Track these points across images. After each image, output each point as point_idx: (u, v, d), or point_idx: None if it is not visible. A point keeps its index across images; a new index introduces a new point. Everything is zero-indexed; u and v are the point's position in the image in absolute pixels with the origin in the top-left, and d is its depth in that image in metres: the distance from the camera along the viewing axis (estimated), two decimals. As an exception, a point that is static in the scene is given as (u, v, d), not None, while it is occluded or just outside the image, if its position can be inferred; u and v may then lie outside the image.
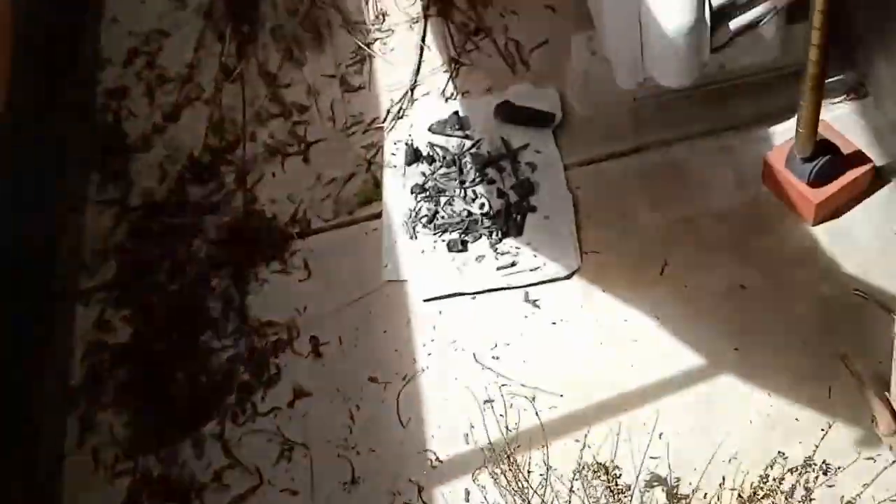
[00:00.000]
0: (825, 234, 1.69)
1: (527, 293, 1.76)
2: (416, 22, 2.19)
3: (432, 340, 1.76)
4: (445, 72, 2.11)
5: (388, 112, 2.08)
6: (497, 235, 1.83)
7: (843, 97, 1.84)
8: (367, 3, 2.25)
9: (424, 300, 1.80)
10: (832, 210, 1.69)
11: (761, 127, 1.84)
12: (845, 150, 1.65)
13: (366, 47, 2.18)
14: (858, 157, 1.66)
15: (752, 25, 1.61)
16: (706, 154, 1.84)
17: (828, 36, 1.34)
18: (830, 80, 1.84)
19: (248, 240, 1.97)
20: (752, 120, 1.86)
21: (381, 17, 2.23)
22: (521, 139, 1.95)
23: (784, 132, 1.82)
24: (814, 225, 1.70)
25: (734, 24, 1.60)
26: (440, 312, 1.79)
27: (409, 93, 2.09)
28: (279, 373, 1.80)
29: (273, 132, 2.13)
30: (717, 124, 1.87)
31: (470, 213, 1.87)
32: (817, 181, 1.63)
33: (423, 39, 2.16)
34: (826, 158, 1.61)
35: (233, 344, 1.85)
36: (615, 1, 1.62)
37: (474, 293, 1.79)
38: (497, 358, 1.71)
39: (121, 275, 1.99)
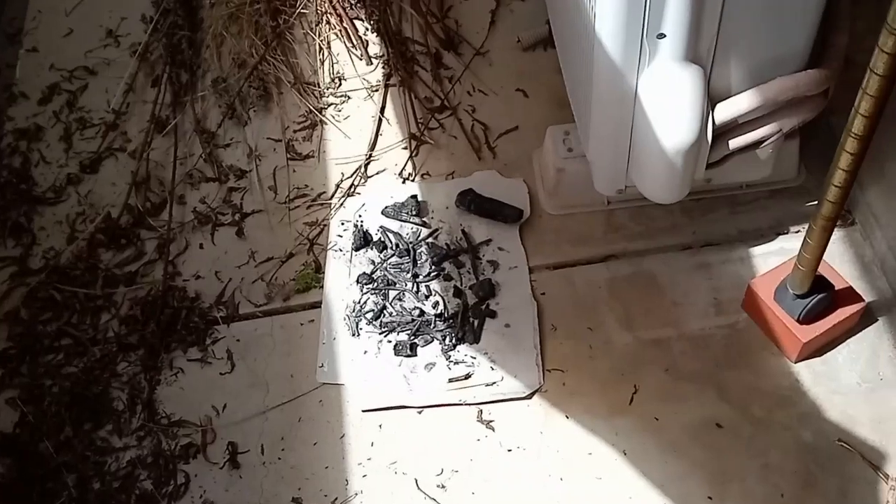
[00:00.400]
0: (808, 374, 1.56)
1: (480, 411, 1.57)
2: (376, 90, 2.01)
3: (369, 459, 1.54)
4: (404, 149, 1.92)
5: (338, 187, 1.88)
6: (451, 341, 1.64)
7: (828, 222, 1.71)
8: (322, 63, 2.06)
9: (363, 410, 1.59)
10: (817, 348, 1.56)
11: (742, 246, 1.71)
12: (837, 286, 1.52)
13: (317, 112, 1.98)
14: (850, 295, 1.54)
15: (753, 145, 1.48)
16: (682, 270, 1.69)
17: (854, 179, 1.20)
18: (814, 203, 1.73)
19: (166, 320, 1.72)
20: (733, 238, 1.72)
21: (337, 80, 2.04)
22: (484, 233, 1.77)
23: (765, 255, 1.69)
24: (796, 362, 1.56)
25: (734, 142, 1.47)
26: (380, 426, 1.57)
27: (363, 168, 1.90)
28: (188, 483, 1.55)
29: (205, 197, 1.90)
30: (696, 239, 1.73)
31: (422, 313, 1.68)
32: (807, 319, 1.50)
33: (381, 110, 1.98)
34: (820, 297, 1.48)
35: (136, 443, 1.60)
36: (605, 103, 1.47)
37: (421, 407, 1.58)
38: (443, 486, 1.50)
39: (11, 348, 1.72)
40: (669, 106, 1.40)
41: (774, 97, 1.42)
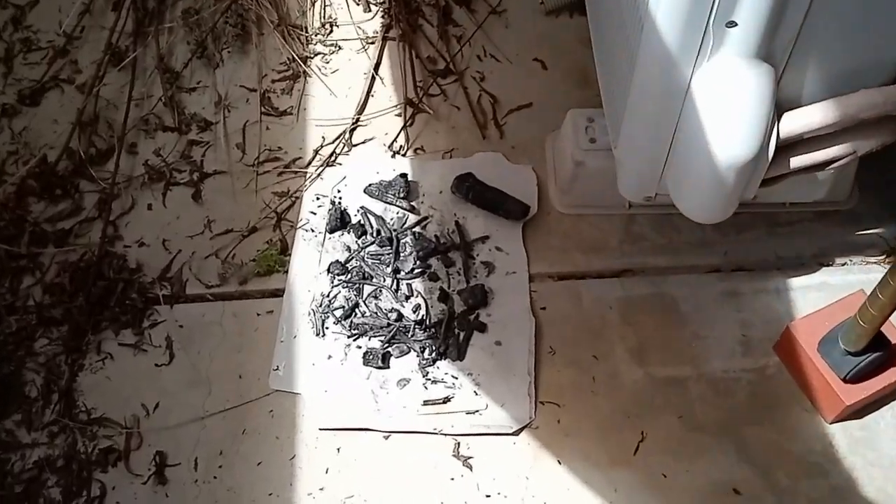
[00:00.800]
0: (844, 439, 1.33)
1: (458, 445, 1.33)
2: (372, 43, 1.73)
3: (322, 490, 1.30)
4: (398, 116, 1.65)
5: (316, 154, 1.61)
6: (431, 354, 1.39)
7: (881, 257, 1.48)
8: (313, 4, 1.77)
9: (321, 429, 1.35)
10: (858, 409, 1.32)
11: (779, 275, 1.47)
12: (893, 340, 1.29)
13: (301, 62, 1.70)
14: (905, 352, 1.30)
15: (818, 166, 1.23)
16: (708, 296, 1.45)
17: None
18: (865, 232, 1.50)
19: (98, 293, 1.46)
20: (770, 264, 1.48)
21: (328, 26, 1.75)
22: (482, 228, 1.51)
23: (804, 288, 1.45)
24: (831, 423, 1.33)
25: (797, 161, 1.22)
26: (339, 450, 1.33)
27: (348, 134, 1.62)
28: (103, 498, 1.31)
29: (161, 149, 1.63)
30: (726, 261, 1.48)
31: (400, 316, 1.43)
32: (855, 379, 1.26)
33: (376, 67, 1.70)
34: (875, 356, 1.24)
35: (47, 440, 1.35)
36: (647, 95, 1.21)
37: (389, 432, 1.34)
38: (405, 533, 1.27)
39: (-89, 309, 1.46)
40: (728, 110, 1.14)
41: (855, 113, 1.16)
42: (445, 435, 1.33)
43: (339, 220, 1.51)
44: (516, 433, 1.33)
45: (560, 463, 1.31)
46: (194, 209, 1.56)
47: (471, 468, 1.31)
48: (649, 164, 1.31)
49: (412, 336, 1.41)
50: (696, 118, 1.17)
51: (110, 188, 1.56)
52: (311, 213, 1.54)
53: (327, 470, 1.32)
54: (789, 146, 1.21)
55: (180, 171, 1.60)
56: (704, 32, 1.09)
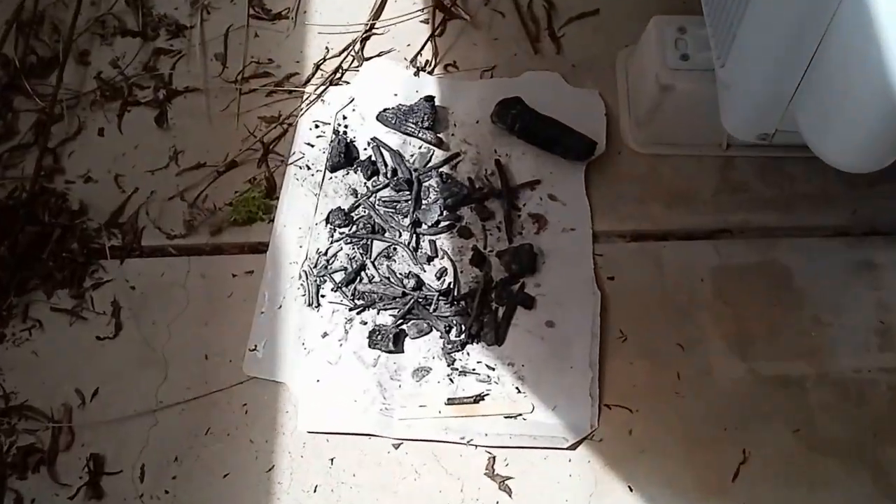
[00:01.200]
0: None
1: (493, 460, 0.99)
2: (393, -71, 1.36)
3: (308, 515, 0.98)
4: (424, 22, 1.29)
5: (317, 69, 1.27)
6: (459, 336, 1.05)
7: None
8: None
9: (310, 432, 1.01)
10: None
11: (929, 242, 1.11)
12: None
13: (303, -48, 1.34)
14: None
15: None
16: (832, 268, 1.11)
17: None
18: None
19: (27, 241, 1.14)
20: (916, 227, 1.12)
21: None
22: (531, 170, 1.16)
23: (964, 259, 1.09)
24: None
25: None
26: (332, 461, 1.00)
27: (359, 45, 1.27)
28: (18, 514, 1.00)
29: (119, 58, 1.31)
30: (856, 221, 1.13)
31: (420, 284, 1.08)
32: None
33: (397, -40, 1.34)
34: None
35: (-49, 434, 1.04)
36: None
37: (400, 440, 1.00)
38: (419, 582, 0.94)
39: None
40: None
41: None
42: (476, 446, 1.00)
43: (344, 156, 1.17)
44: (573, 447, 1.00)
45: (632, 490, 0.98)
46: (158, 136, 1.23)
47: (510, 492, 0.98)
48: (773, 90, 0.95)
49: (435, 310, 1.06)
50: (859, 24, 0.81)
51: (51, 107, 1.23)
52: (308, 144, 1.20)
53: (316, 488, 0.99)
54: None
55: (142, 88, 1.28)
56: None
